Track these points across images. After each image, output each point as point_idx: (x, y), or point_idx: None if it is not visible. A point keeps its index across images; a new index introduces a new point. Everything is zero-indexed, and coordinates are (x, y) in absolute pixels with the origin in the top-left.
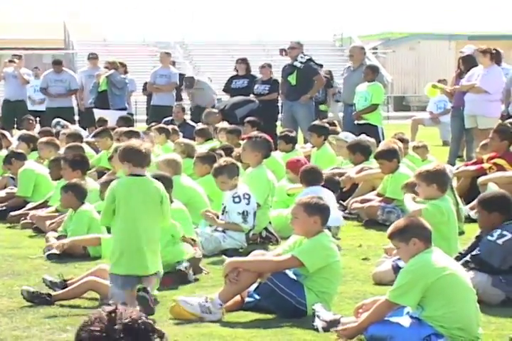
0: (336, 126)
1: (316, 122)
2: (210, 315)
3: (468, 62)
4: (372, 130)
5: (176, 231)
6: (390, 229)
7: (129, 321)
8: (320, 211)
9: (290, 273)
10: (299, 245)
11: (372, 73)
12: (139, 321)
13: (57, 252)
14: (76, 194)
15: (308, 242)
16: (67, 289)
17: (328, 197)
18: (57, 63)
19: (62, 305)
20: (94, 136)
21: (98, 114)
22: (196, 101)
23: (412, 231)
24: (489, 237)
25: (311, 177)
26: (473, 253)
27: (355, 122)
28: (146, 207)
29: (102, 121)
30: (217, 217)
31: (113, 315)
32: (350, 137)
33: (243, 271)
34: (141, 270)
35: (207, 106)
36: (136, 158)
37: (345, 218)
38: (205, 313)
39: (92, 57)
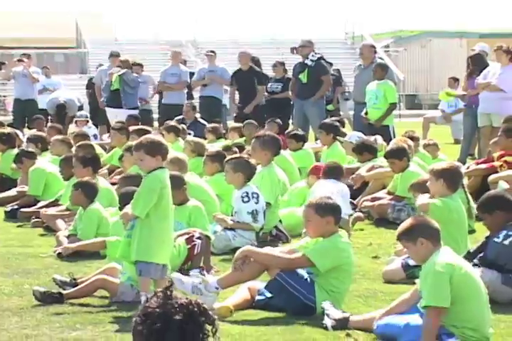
0: (344, 125)
1: (326, 120)
2: (201, 297)
3: (477, 61)
4: (383, 129)
5: None
6: (397, 231)
7: (184, 301)
8: (332, 211)
9: (300, 269)
10: (314, 243)
11: (382, 71)
12: (194, 303)
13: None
14: (86, 192)
15: (322, 243)
16: (77, 288)
17: (338, 189)
18: None
19: (71, 304)
20: (113, 129)
21: (110, 112)
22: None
23: (418, 231)
24: (495, 239)
25: (334, 171)
26: (481, 255)
27: (368, 122)
28: (170, 197)
29: (134, 119)
30: None
31: (168, 292)
32: (354, 136)
33: (251, 263)
34: (167, 259)
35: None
36: (164, 152)
37: None
38: (195, 294)
39: (114, 55)
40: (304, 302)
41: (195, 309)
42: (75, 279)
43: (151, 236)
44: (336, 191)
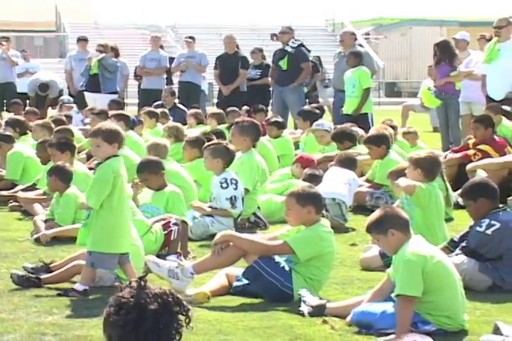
0: (324, 112)
1: (305, 107)
2: (177, 281)
3: (444, 48)
4: (362, 117)
5: None
6: (366, 223)
7: (158, 291)
8: (313, 200)
9: (277, 257)
10: (296, 232)
11: (355, 58)
12: (168, 292)
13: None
14: (61, 177)
15: (304, 231)
16: (55, 273)
17: (349, 178)
18: None
19: (49, 288)
20: (92, 113)
21: (89, 97)
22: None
23: (388, 222)
24: (478, 228)
25: (349, 162)
26: (463, 244)
27: (345, 113)
28: (125, 185)
29: (116, 104)
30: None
31: (142, 282)
32: (326, 124)
33: (229, 248)
34: (128, 247)
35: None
36: (121, 140)
37: None
38: (172, 278)
39: (82, 39)
40: (280, 289)
41: (170, 299)
42: (46, 264)
43: (106, 227)
44: (346, 179)
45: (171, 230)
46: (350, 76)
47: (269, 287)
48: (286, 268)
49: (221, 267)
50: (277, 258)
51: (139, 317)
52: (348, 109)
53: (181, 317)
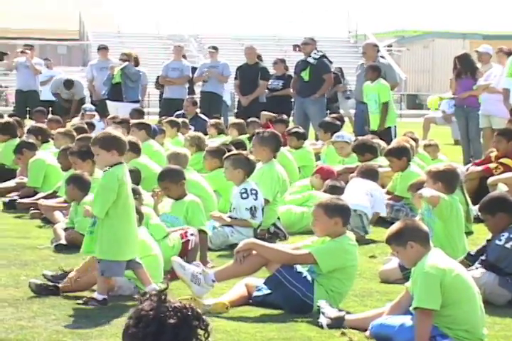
0: (343, 121)
1: (327, 118)
2: (198, 287)
3: (464, 61)
4: (385, 130)
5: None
6: (386, 235)
7: (178, 305)
8: (340, 212)
9: (300, 267)
10: (321, 243)
11: (373, 72)
12: (188, 306)
13: (65, 243)
14: (78, 186)
15: (329, 243)
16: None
17: (371, 188)
18: None
19: (68, 296)
20: (114, 122)
21: (111, 106)
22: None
23: (407, 235)
24: (497, 241)
25: (371, 173)
26: (483, 258)
27: (371, 129)
28: (131, 193)
29: (138, 113)
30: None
31: (163, 296)
32: (346, 136)
33: (251, 256)
34: (134, 254)
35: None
36: (120, 147)
37: None
38: (193, 283)
39: (102, 48)
40: (302, 299)
41: (189, 313)
42: (65, 272)
43: (112, 235)
44: (368, 190)
45: (188, 240)
46: (372, 92)
47: (290, 296)
48: (309, 278)
49: (243, 275)
50: (299, 268)
51: (157, 331)
52: (373, 125)
53: (200, 332)
